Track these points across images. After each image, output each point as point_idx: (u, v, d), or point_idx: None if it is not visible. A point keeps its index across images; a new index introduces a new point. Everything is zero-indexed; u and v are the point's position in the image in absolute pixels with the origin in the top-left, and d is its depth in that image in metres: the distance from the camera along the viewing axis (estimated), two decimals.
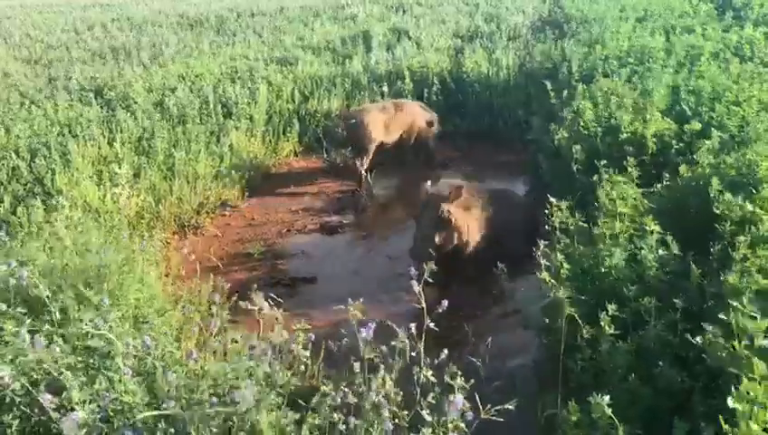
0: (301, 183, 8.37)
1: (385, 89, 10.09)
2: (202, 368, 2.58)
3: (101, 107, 8.92)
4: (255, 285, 4.13)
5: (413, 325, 2.84)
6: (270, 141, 8.90)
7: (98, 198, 6.29)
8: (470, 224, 5.59)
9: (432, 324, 2.81)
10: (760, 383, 2.28)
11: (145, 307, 3.80)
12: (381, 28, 14.07)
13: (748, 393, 2.27)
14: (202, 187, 7.24)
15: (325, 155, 9.02)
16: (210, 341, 2.84)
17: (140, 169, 7.07)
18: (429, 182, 5.71)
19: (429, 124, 8.64)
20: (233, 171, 7.76)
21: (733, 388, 2.32)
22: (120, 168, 6.71)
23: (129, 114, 8.38)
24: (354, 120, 7.99)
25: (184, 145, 7.69)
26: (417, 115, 8.59)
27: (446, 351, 2.87)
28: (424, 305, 2.79)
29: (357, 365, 2.73)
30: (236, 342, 2.86)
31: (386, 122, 8.19)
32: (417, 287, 2.81)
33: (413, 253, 5.36)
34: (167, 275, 5.43)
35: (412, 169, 8.58)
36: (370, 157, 8.11)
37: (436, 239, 5.32)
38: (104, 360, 2.56)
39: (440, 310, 2.81)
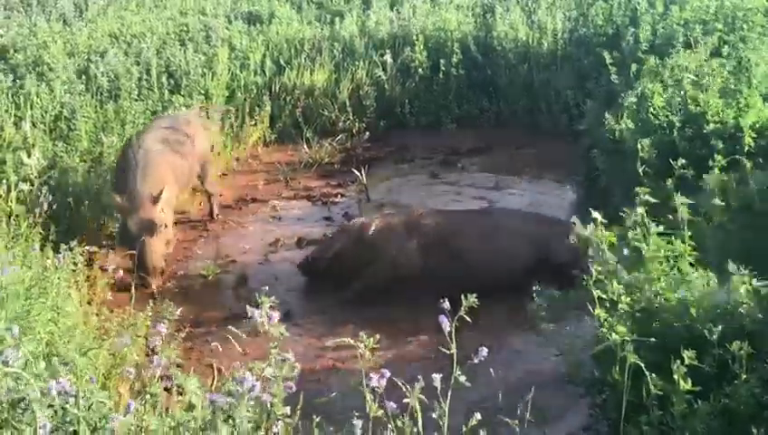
0: (272, 183, 8.43)
1: (388, 58, 10.14)
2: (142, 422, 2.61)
3: (5, 75, 8.92)
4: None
5: (438, 376, 2.79)
6: (231, 126, 8.95)
7: None
8: None
9: (463, 378, 2.79)
10: None
11: (61, 343, 3.80)
12: None
13: None
14: None
15: (306, 145, 9.08)
16: (152, 387, 2.86)
17: (56, 158, 7.08)
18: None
19: None
20: None
21: None
22: (29, 156, 6.73)
23: (42, 85, 8.38)
24: None
25: (116, 128, 7.70)
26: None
27: (478, 415, 2.81)
28: (454, 351, 2.79)
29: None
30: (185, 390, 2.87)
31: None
32: (446, 326, 2.80)
33: None
34: (89, 303, 5.42)
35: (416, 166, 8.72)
36: None
37: None
38: (14, 409, 2.56)
39: (476, 360, 2.79)
